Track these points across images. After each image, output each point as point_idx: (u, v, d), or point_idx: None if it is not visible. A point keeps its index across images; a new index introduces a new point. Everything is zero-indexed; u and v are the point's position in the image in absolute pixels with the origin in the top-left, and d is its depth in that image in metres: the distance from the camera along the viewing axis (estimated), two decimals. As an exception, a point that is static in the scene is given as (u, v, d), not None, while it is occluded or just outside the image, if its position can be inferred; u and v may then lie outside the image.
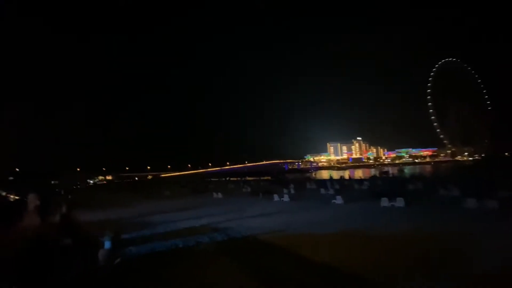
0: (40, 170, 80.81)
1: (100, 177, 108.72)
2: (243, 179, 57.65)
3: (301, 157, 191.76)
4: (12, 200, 18.98)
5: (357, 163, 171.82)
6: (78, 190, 38.12)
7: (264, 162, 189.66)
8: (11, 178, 70.20)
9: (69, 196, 16.07)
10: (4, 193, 23.78)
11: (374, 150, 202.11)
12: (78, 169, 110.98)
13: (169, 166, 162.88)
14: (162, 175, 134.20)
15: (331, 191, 23.54)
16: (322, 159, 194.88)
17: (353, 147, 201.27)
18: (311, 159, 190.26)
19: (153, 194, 32.10)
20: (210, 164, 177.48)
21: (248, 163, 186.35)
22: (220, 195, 26.07)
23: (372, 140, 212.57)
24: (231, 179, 57.91)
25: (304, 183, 37.78)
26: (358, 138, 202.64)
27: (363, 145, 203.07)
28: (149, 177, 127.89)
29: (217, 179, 76.00)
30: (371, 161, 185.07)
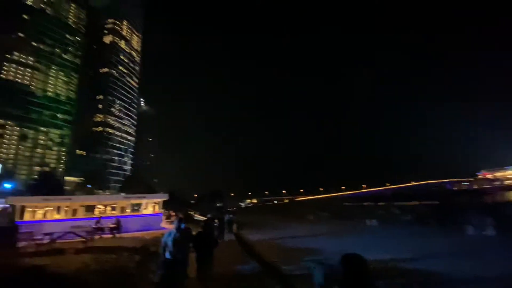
0: (207, 194, 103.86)
1: (248, 200, 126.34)
2: (392, 203, 48.45)
3: (472, 174, 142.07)
4: (197, 218, 23.77)
5: None
6: (236, 212, 44.87)
7: (411, 183, 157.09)
8: (192, 201, 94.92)
9: (231, 216, 18.47)
10: (192, 212, 30.95)
11: None
12: (232, 194, 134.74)
13: (301, 190, 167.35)
14: (297, 199, 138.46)
15: None
16: (509, 175, 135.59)
17: None
18: (490, 176, 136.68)
19: (296, 217, 32.17)
20: (343, 187, 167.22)
21: (390, 185, 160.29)
22: (374, 222, 22.13)
23: None
24: (379, 203, 50.13)
25: (501, 209, 26.15)
26: None
27: None
28: (286, 200, 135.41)
29: (357, 204, 68.61)
30: None
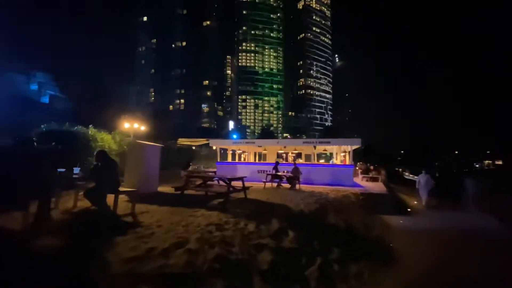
0: (418, 148, 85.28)
1: (486, 162, 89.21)
2: None
3: None
4: (408, 177, 18.35)
5: None
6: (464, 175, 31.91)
7: None
8: (399, 158, 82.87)
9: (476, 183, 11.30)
10: (400, 169, 25.27)
11: None
12: (456, 152, 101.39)
13: None
14: None
15: None
16: None
17: None
18: None
19: None
20: None
21: None
22: None
23: None
24: None
25: None
26: None
27: None
28: None
29: None
30: None
